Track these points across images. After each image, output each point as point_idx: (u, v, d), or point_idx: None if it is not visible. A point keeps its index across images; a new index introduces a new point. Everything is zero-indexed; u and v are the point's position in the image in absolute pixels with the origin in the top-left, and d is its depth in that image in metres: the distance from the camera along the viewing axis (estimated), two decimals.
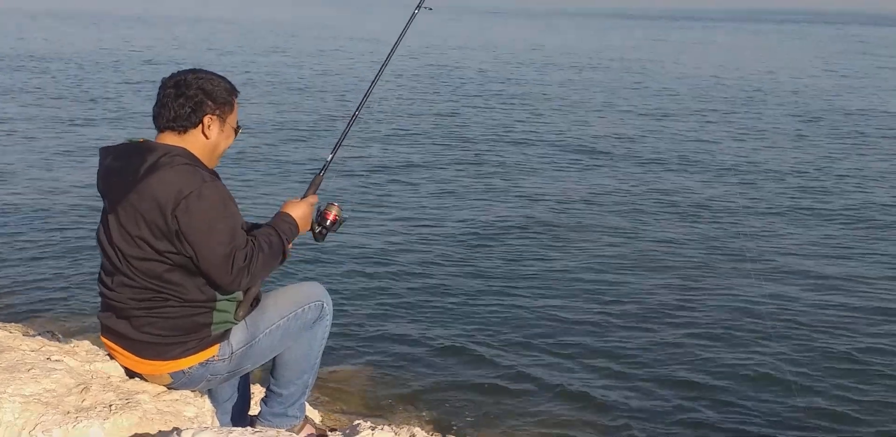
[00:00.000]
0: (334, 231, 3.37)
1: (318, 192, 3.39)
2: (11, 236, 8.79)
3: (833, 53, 38.04)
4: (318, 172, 3.46)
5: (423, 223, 9.86)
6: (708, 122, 17.86)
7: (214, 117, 3.03)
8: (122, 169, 2.93)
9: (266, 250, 2.99)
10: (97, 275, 3.13)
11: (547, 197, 11.12)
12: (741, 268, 8.36)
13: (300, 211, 3.23)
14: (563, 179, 12.31)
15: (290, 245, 3.14)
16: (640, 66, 29.67)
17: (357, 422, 4.30)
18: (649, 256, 8.79)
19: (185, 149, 2.97)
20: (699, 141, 15.55)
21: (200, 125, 3.01)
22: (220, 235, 2.85)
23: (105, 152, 3.05)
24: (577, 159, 13.66)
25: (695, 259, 8.69)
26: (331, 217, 3.35)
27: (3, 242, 8.62)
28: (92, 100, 18.66)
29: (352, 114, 3.67)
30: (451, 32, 46.80)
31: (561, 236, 9.46)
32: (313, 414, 4.38)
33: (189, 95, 2.98)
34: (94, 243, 3.16)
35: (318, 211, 3.34)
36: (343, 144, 3.56)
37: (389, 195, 11.07)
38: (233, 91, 3.11)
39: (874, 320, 7.20)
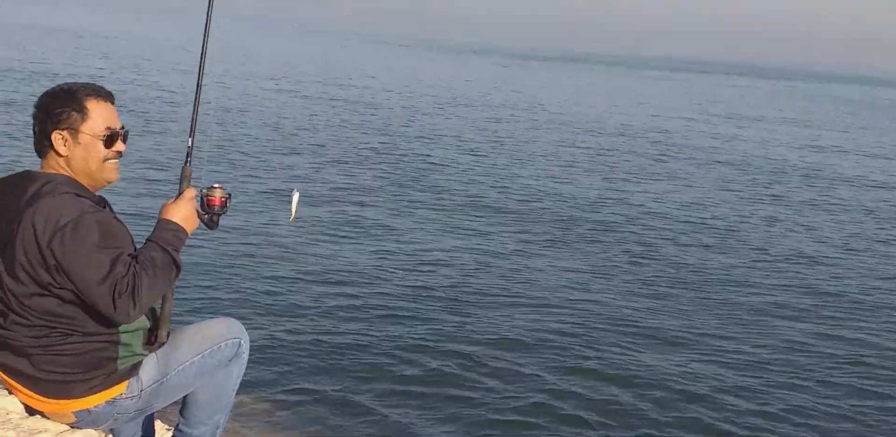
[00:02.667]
0: (225, 213, 3.09)
1: (192, 183, 3.09)
2: None
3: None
4: (183, 162, 3.13)
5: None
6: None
7: (62, 131, 2.82)
8: (3, 203, 2.76)
9: (150, 270, 2.73)
10: None
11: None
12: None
13: (181, 212, 2.95)
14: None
15: (180, 253, 2.88)
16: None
17: None
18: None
19: (67, 176, 2.81)
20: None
21: (51, 145, 2.83)
22: (98, 267, 2.64)
23: None
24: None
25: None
26: (217, 202, 3.05)
27: None
28: None
29: (195, 96, 3.22)
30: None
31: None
32: None
33: (34, 116, 2.84)
34: None
35: (200, 200, 3.04)
36: (197, 128, 3.18)
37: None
38: (71, 96, 2.83)
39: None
